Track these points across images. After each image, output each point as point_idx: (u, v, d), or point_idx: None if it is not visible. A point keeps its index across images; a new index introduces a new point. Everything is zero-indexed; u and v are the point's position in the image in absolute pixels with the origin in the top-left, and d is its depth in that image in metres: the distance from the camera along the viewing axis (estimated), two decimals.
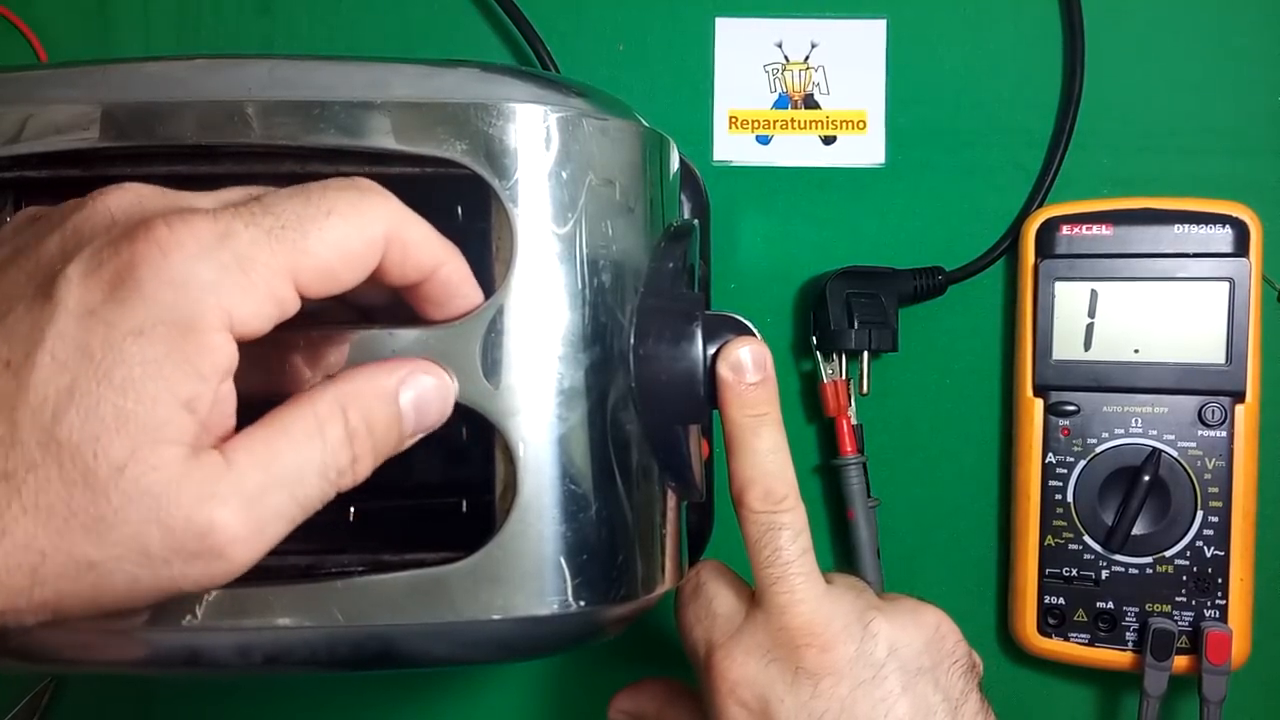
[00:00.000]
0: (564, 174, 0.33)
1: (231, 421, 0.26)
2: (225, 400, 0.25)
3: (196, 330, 0.24)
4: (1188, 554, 0.48)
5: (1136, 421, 0.49)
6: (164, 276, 0.24)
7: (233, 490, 0.24)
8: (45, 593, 0.24)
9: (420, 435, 0.30)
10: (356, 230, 0.27)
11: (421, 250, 0.29)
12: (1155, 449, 0.48)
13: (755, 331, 0.37)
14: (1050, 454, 0.50)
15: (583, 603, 0.33)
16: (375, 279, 0.28)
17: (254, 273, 0.25)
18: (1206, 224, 0.49)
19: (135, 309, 0.23)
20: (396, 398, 0.28)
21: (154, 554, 0.24)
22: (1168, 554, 0.49)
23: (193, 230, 0.24)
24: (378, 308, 0.32)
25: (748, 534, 0.36)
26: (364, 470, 0.28)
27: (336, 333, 0.31)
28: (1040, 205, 0.52)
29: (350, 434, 0.27)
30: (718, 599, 0.37)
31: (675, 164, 0.39)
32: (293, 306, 0.26)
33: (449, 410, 0.30)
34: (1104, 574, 0.49)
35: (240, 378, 0.26)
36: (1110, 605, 0.49)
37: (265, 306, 0.25)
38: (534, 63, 0.52)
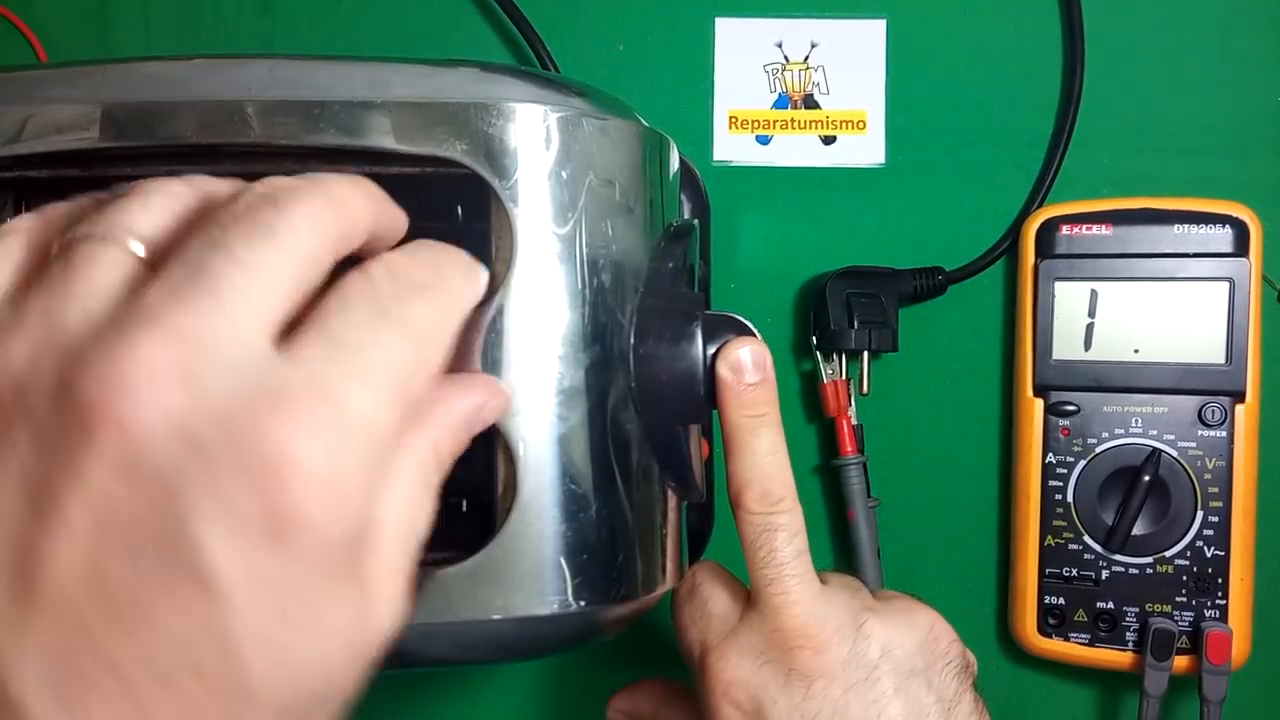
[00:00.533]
0: (564, 174, 0.33)
1: None
2: None
3: (368, 531, 0.22)
4: (1188, 554, 0.48)
5: (1136, 421, 0.49)
6: (329, 507, 0.20)
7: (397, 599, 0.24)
8: None
9: None
10: (446, 350, 0.26)
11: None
12: (1155, 449, 0.48)
13: (755, 331, 0.37)
14: (1050, 454, 0.50)
15: (583, 603, 0.33)
16: None
17: (387, 446, 0.23)
18: (1206, 224, 0.49)
19: (314, 555, 0.20)
20: (474, 425, 0.28)
21: None
22: (1168, 554, 0.49)
23: (331, 438, 0.21)
24: None
25: (744, 535, 0.36)
26: None
27: None
28: (1040, 205, 0.52)
29: (441, 465, 0.26)
30: (713, 600, 0.37)
31: (675, 164, 0.39)
32: None
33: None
34: (1104, 574, 0.49)
35: None
36: (1110, 605, 0.49)
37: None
38: (534, 63, 0.52)
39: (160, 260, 0.22)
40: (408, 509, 0.24)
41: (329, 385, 0.21)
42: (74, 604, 0.19)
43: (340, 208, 0.24)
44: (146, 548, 0.19)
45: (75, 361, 0.20)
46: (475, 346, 0.31)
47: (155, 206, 0.24)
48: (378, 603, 0.23)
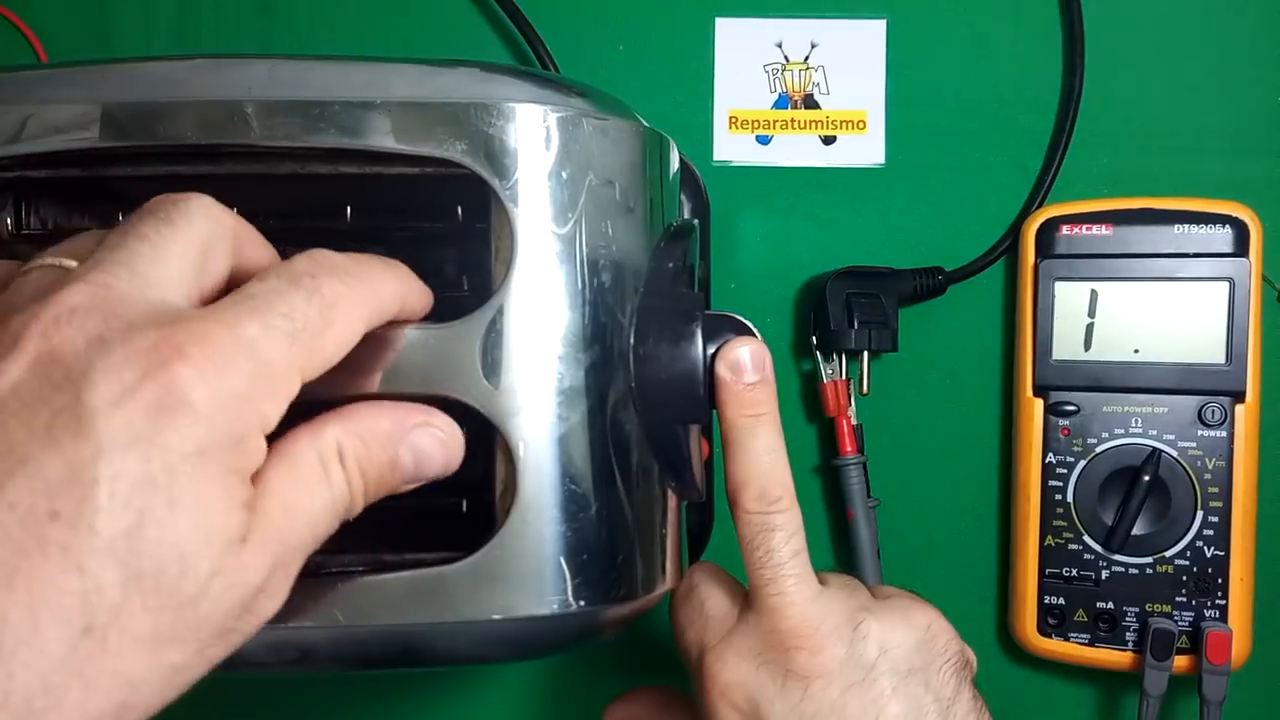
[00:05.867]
0: (564, 174, 0.33)
1: None
2: None
3: (244, 439, 0.25)
4: (1188, 554, 0.48)
5: (1136, 421, 0.49)
6: (209, 396, 0.24)
7: (279, 555, 0.26)
8: (137, 712, 0.24)
9: (420, 484, 0.30)
10: (357, 323, 0.28)
11: (402, 313, 0.30)
12: (1155, 449, 0.48)
13: (755, 331, 0.37)
14: (1050, 454, 0.50)
15: (583, 603, 0.33)
16: None
17: (278, 378, 0.25)
18: (1206, 224, 0.49)
19: (188, 431, 0.23)
20: (397, 445, 0.29)
21: (227, 630, 0.25)
22: (1168, 554, 0.48)
23: (220, 346, 0.24)
24: None
25: (741, 535, 0.36)
26: (358, 508, 0.28)
27: None
28: (1040, 205, 0.52)
29: (348, 474, 0.27)
30: (710, 601, 0.37)
31: (675, 164, 0.39)
32: (296, 393, 0.26)
33: (454, 465, 0.30)
34: (1104, 574, 0.49)
35: None
36: (1110, 605, 0.49)
37: (284, 403, 0.26)
38: (534, 63, 0.52)
39: None
40: (295, 488, 0.26)
41: (226, 317, 0.25)
42: None
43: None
44: (42, 411, 0.23)
45: (21, 310, 0.25)
46: (474, 346, 0.31)
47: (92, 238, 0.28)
48: (253, 552, 0.25)
